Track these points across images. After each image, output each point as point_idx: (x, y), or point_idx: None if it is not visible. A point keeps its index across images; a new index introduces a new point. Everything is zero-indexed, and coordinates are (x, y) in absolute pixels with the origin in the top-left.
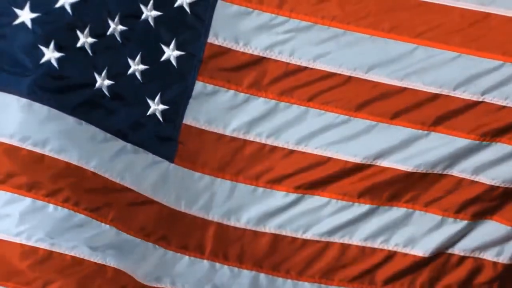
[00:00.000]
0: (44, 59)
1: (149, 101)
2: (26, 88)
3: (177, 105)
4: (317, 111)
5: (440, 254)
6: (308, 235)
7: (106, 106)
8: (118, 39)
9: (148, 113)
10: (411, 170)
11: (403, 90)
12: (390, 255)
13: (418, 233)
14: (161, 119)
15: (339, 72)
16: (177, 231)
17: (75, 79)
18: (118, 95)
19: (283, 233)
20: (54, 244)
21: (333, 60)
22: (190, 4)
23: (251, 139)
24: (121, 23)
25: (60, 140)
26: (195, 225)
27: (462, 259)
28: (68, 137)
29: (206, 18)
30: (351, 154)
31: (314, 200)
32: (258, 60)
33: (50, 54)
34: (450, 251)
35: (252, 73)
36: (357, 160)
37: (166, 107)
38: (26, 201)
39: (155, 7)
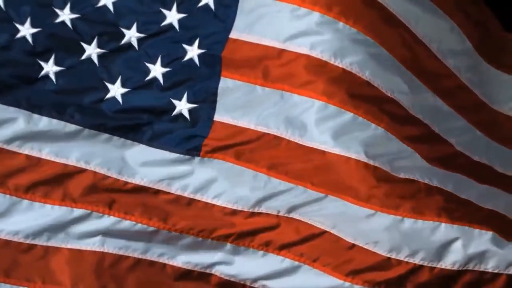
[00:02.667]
0: (43, 73)
1: (175, 102)
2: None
3: (205, 102)
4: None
5: (473, 269)
6: (334, 231)
7: (121, 113)
8: (135, 46)
9: (173, 114)
10: None
11: None
12: (416, 268)
13: (444, 247)
14: (188, 118)
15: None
16: (203, 222)
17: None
18: (135, 102)
19: (314, 224)
20: None
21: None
22: (215, 1)
23: (278, 133)
24: (138, 31)
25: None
26: (223, 216)
27: (498, 274)
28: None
29: (230, 12)
30: None
31: (339, 202)
32: (279, 53)
33: (49, 68)
34: (483, 268)
35: (274, 66)
36: None
37: (194, 105)
38: None
39: (179, 10)
